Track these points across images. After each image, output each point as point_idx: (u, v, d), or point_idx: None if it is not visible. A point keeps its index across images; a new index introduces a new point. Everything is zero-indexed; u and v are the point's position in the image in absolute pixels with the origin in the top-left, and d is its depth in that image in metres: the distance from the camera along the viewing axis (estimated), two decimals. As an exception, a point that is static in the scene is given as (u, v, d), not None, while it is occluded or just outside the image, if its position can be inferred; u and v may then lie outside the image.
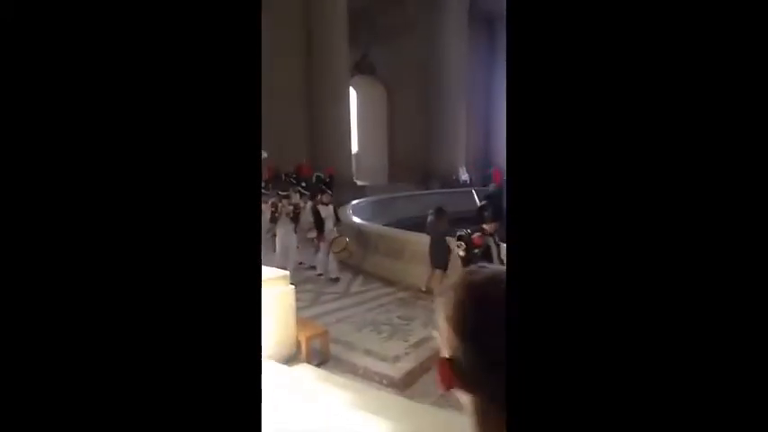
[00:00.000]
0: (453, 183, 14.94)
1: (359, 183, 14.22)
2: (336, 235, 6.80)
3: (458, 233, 4.14)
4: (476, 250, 3.84)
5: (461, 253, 4.05)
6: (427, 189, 13.91)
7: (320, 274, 6.65)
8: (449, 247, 5.86)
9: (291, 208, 6.72)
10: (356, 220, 8.24)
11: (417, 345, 4.17)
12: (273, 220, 6.61)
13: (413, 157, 15.79)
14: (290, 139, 12.06)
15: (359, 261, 6.89)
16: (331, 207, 6.92)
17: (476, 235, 3.94)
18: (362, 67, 15.45)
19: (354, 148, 15.63)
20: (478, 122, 18.62)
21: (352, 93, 15.55)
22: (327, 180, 7.87)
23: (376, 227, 7.78)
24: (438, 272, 5.80)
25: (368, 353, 4.03)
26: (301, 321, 3.89)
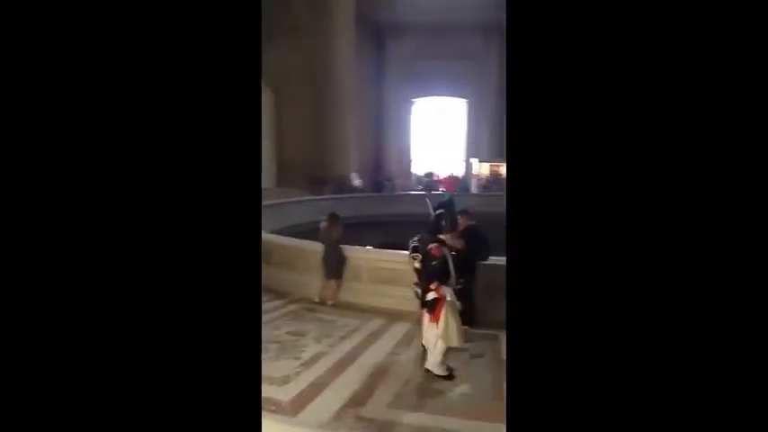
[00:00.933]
0: (346, 188, 14.82)
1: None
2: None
3: (411, 245, 3.72)
4: (434, 262, 3.44)
5: (417, 265, 3.63)
6: (319, 194, 13.57)
7: None
8: (343, 255, 5.63)
9: None
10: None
11: (310, 363, 3.83)
12: None
13: (302, 162, 15.35)
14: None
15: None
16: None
17: (433, 246, 3.59)
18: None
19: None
20: (368, 129, 18.85)
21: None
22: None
23: (263, 235, 7.19)
24: (332, 281, 5.53)
25: (253, 377, 3.58)
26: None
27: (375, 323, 4.81)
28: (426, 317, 3.56)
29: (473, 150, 20.08)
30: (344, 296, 5.56)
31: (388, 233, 11.12)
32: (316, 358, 3.91)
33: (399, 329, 4.61)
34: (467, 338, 3.79)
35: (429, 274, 3.51)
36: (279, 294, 5.61)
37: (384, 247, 6.20)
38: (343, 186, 14.89)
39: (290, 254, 6.26)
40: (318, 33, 15.23)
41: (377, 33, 19.63)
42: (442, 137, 21.77)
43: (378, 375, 3.59)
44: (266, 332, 4.49)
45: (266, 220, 5.42)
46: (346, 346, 4.18)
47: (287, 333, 4.49)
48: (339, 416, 2.99)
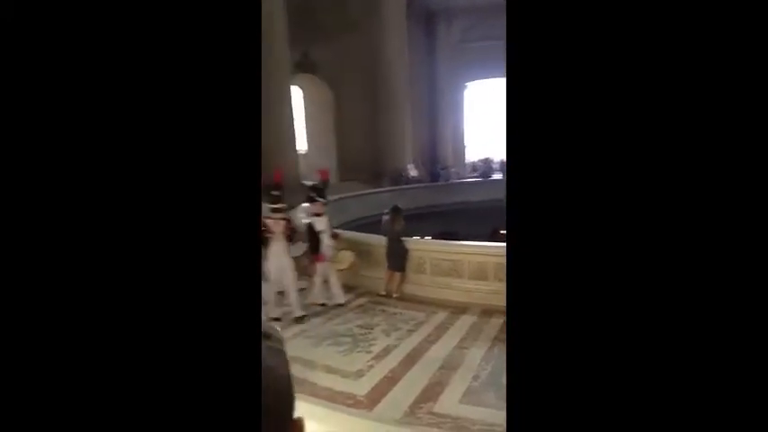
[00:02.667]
0: (403, 179, 14.88)
1: (307, 184, 13.85)
2: (333, 251, 5.58)
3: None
4: None
5: None
6: (378, 187, 13.75)
7: (323, 304, 5.40)
8: (406, 247, 5.72)
9: (284, 223, 5.10)
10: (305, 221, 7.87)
11: (381, 356, 3.96)
12: (263, 241, 5.07)
13: (361, 156, 15.59)
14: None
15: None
16: (325, 218, 5.54)
17: None
18: (304, 66, 15.04)
19: (302, 147, 15.19)
20: (423, 119, 18.71)
21: (298, 91, 15.09)
22: (320, 186, 6.20)
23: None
24: (397, 274, 5.64)
25: (329, 370, 3.77)
26: (254, 343, 3.56)
27: (440, 316, 4.87)
28: None
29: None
30: (409, 288, 5.66)
31: (445, 222, 11.08)
32: (386, 351, 4.04)
33: (465, 322, 4.64)
34: None
35: None
36: (346, 288, 5.82)
37: (442, 237, 6.22)
38: (400, 178, 14.96)
39: (353, 248, 6.45)
40: (371, 28, 15.30)
41: (426, 19, 19.33)
42: (497, 120, 21.08)
43: (448, 369, 3.65)
44: (338, 326, 4.70)
45: (329, 215, 5.63)
46: (414, 340, 4.28)
47: (357, 326, 4.67)
48: (412, 411, 3.09)
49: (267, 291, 4.94)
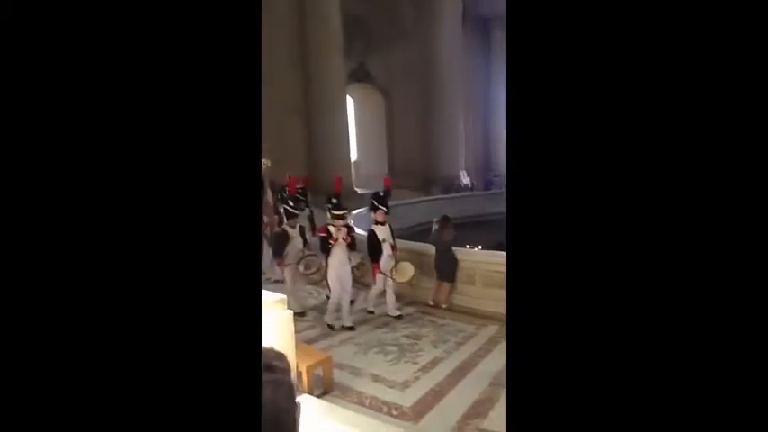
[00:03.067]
0: (454, 187, 14.68)
1: (359, 191, 14.02)
2: (393, 262, 5.37)
3: None
4: None
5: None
6: (429, 195, 13.64)
7: (371, 312, 5.36)
8: (455, 257, 5.60)
9: (346, 230, 5.05)
10: (358, 231, 7.92)
11: (428, 367, 3.88)
12: (325, 248, 4.98)
13: (413, 163, 15.58)
14: (289, 150, 11.86)
15: (361, 275, 6.59)
16: (387, 227, 5.40)
17: None
18: (359, 76, 15.30)
19: (354, 155, 15.42)
20: (477, 126, 18.42)
21: (349, 101, 15.38)
22: (383, 194, 5.82)
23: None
24: (445, 284, 5.53)
25: (375, 378, 3.74)
26: (302, 348, 3.61)
27: (490, 329, 4.71)
28: None
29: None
30: (458, 300, 5.52)
31: (497, 232, 10.71)
32: (433, 363, 3.95)
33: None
34: None
35: None
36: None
37: (494, 248, 6.00)
38: (452, 185, 14.77)
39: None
40: (426, 37, 15.33)
41: (482, 26, 19.08)
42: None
43: (498, 386, 3.50)
44: (385, 334, 4.66)
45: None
46: (463, 353, 4.16)
47: (404, 336, 4.61)
48: (460, 427, 2.98)
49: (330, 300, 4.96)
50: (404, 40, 15.44)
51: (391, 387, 3.58)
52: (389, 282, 5.27)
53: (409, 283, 5.40)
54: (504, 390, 3.44)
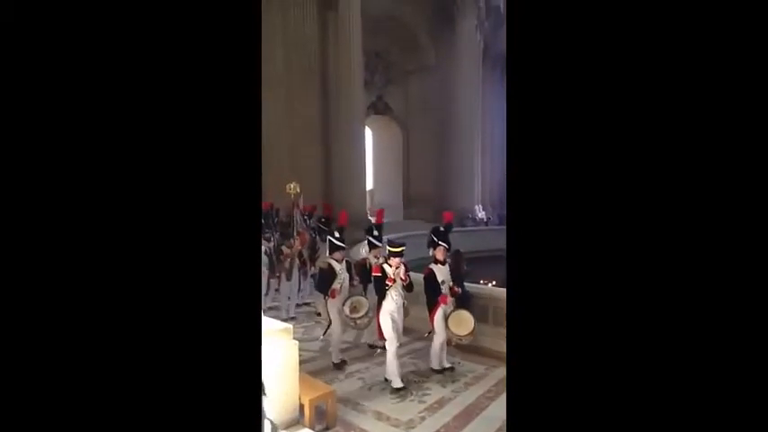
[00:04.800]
0: (470, 221, 14.58)
1: (373, 219, 14.05)
2: (452, 308, 4.39)
3: None
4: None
5: None
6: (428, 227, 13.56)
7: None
8: (467, 293, 5.46)
9: (404, 269, 4.29)
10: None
11: (435, 407, 3.73)
12: (381, 290, 4.27)
13: (427, 195, 15.60)
14: (307, 177, 12.00)
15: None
16: (447, 267, 4.53)
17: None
18: (378, 108, 15.60)
19: (369, 184, 15.52)
20: (494, 161, 18.46)
21: (368, 132, 15.63)
22: (442, 229, 4.82)
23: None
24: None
25: (378, 416, 3.60)
26: (305, 380, 3.51)
27: (502, 370, 4.52)
28: None
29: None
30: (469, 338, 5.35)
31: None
32: (440, 404, 3.80)
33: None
34: None
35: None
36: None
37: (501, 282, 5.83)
38: (467, 219, 14.68)
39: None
40: (445, 70, 15.64)
41: (501, 63, 19.38)
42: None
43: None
44: (392, 370, 4.51)
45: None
46: (472, 394, 3.99)
47: (411, 372, 4.46)
48: (465, 473, 2.82)
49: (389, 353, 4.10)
50: (423, 73, 15.76)
51: (395, 426, 3.43)
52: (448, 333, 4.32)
53: (472, 336, 4.34)
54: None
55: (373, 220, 11.35)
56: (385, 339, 4.23)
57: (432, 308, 4.37)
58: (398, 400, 3.88)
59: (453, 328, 4.30)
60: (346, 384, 4.15)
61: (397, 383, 4.05)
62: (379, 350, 4.61)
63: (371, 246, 5.24)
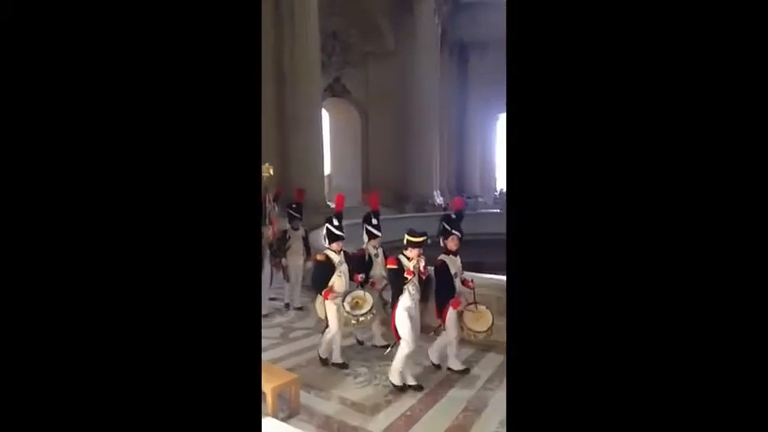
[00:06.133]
0: (428, 206, 14.70)
1: (331, 204, 13.83)
2: (469, 303, 4.00)
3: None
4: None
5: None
6: (402, 212, 13.58)
7: (457, 371, 4.04)
8: (430, 276, 5.46)
9: (424, 261, 3.77)
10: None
11: (399, 391, 3.70)
12: (399, 285, 3.71)
13: (386, 180, 15.54)
14: (263, 160, 11.60)
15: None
16: (458, 258, 4.09)
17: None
18: (336, 90, 15.29)
19: (327, 169, 15.27)
20: (452, 148, 18.69)
21: (326, 115, 15.31)
22: (454, 216, 4.31)
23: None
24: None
25: (344, 401, 3.53)
26: (267, 368, 3.37)
27: (464, 352, 4.57)
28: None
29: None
30: (431, 320, 5.37)
31: (470, 253, 10.73)
32: (406, 387, 3.77)
33: (491, 361, 4.33)
34: None
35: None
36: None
37: (466, 268, 5.86)
38: (426, 204, 14.78)
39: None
40: (404, 56, 15.52)
41: (460, 51, 19.53)
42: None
43: (471, 411, 3.36)
44: (356, 354, 4.45)
45: (349, 235, 5.33)
46: (438, 376, 4.00)
47: (376, 357, 4.41)
48: (434, 455, 2.81)
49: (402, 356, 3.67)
50: (382, 58, 15.58)
51: (360, 411, 3.38)
52: (461, 329, 3.95)
53: (488, 334, 3.93)
54: (478, 416, 3.31)
55: (332, 205, 11.04)
56: (399, 339, 3.70)
57: (443, 304, 3.88)
58: (364, 384, 3.82)
59: (470, 324, 3.91)
60: (310, 369, 4.04)
61: (411, 381, 3.72)
62: (388, 350, 3.98)
63: (370, 235, 4.72)
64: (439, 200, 15.69)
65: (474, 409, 3.40)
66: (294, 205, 6.26)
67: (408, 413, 3.35)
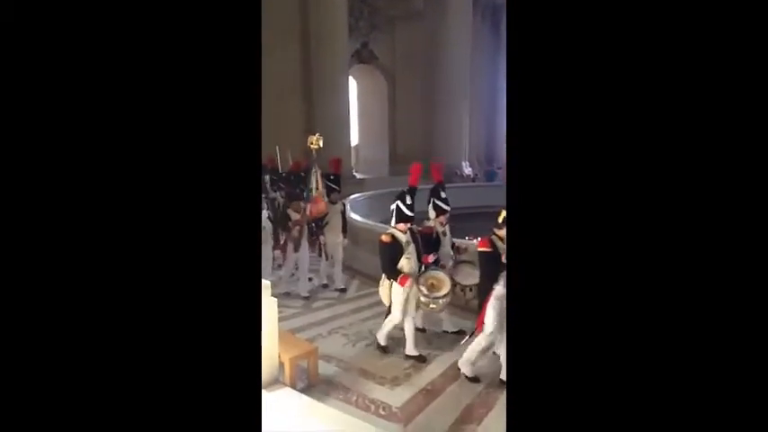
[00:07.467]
0: (456, 177, 14.39)
1: (358, 176, 13.69)
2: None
3: None
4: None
5: None
6: (429, 183, 13.35)
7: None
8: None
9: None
10: (354, 216, 7.62)
11: (419, 364, 3.63)
12: (495, 270, 3.10)
13: (414, 150, 15.21)
14: (288, 131, 11.49)
15: (354, 262, 6.32)
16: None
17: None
18: (363, 56, 14.87)
19: (354, 139, 15.08)
20: (482, 117, 18.07)
21: (352, 82, 14.99)
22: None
23: (372, 224, 7.11)
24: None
25: (364, 374, 3.49)
26: (285, 338, 3.35)
27: (489, 326, 4.44)
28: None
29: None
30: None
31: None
32: (426, 360, 3.70)
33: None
34: None
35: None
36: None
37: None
38: (453, 175, 14.45)
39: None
40: (434, 19, 14.86)
41: (492, 15, 18.59)
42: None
43: (494, 388, 3.26)
44: (377, 326, 4.40)
45: (377, 209, 5.13)
46: (459, 351, 3.90)
47: (398, 329, 4.35)
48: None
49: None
50: (410, 21, 14.97)
51: (380, 384, 3.33)
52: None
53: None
54: (501, 393, 3.20)
55: (359, 176, 10.76)
56: (480, 330, 3.24)
57: (485, 295, 3.16)
58: (382, 356, 3.77)
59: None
60: (330, 341, 4.02)
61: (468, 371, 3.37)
62: (465, 340, 3.48)
63: (439, 210, 4.22)
64: (468, 170, 15.32)
65: (496, 386, 3.29)
66: (332, 177, 5.58)
67: (429, 387, 3.28)
